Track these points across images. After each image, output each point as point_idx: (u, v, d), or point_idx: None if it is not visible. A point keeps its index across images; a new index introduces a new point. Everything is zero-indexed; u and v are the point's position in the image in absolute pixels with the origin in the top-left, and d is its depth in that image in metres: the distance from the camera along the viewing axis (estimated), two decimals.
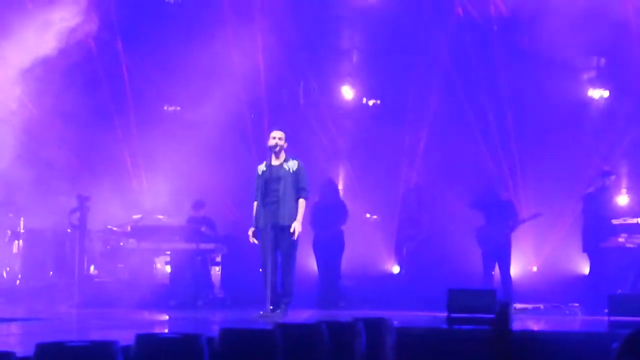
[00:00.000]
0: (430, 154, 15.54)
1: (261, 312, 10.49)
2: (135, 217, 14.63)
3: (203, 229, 14.28)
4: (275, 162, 10.84)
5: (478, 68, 15.60)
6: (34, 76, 14.75)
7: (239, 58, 15.45)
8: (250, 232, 10.87)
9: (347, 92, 16.76)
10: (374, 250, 15.52)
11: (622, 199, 15.10)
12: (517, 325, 10.65)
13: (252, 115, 16.06)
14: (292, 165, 10.83)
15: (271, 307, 10.51)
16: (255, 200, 10.88)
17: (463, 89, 15.60)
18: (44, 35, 14.35)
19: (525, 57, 15.77)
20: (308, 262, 14.35)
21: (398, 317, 9.49)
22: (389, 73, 16.18)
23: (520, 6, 14.85)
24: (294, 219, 10.73)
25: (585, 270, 14.06)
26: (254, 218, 10.88)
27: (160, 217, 15.00)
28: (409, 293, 14.19)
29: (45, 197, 14.52)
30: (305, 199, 10.89)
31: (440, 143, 15.38)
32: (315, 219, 14.08)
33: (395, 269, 15.56)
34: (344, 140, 16.66)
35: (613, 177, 13.72)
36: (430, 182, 15.28)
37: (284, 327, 6.15)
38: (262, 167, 10.88)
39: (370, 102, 16.89)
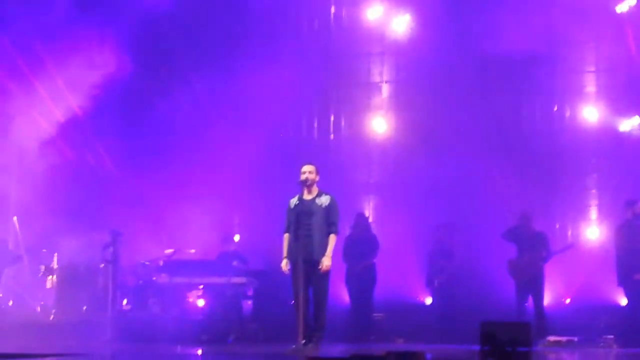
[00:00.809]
0: (461, 185, 15.50)
1: (294, 346, 10.48)
2: (167, 251, 14.69)
3: (235, 263, 14.33)
4: (307, 196, 10.86)
5: (506, 102, 15.61)
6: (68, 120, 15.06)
7: (269, 93, 15.54)
8: (282, 264, 10.85)
9: (377, 126, 16.79)
10: (406, 283, 15.45)
11: None
12: (551, 358, 10.62)
13: (281, 135, 16.22)
14: (325, 200, 10.83)
15: (304, 341, 10.49)
16: (285, 232, 10.91)
17: (492, 122, 15.58)
18: (78, 88, 14.66)
19: (553, 90, 15.77)
20: (340, 295, 14.36)
21: (431, 350, 9.46)
22: (418, 107, 16.20)
23: (545, 42, 14.84)
24: (325, 253, 10.74)
25: (619, 301, 13.94)
26: (284, 250, 10.90)
27: (192, 251, 15.06)
28: (442, 325, 14.13)
29: (78, 232, 14.63)
30: (336, 234, 10.85)
31: (471, 175, 15.34)
32: (347, 252, 14.11)
33: (428, 300, 15.48)
34: (375, 173, 16.68)
35: None
36: (461, 214, 15.21)
37: None
38: (294, 201, 10.90)
39: (401, 136, 16.87)
